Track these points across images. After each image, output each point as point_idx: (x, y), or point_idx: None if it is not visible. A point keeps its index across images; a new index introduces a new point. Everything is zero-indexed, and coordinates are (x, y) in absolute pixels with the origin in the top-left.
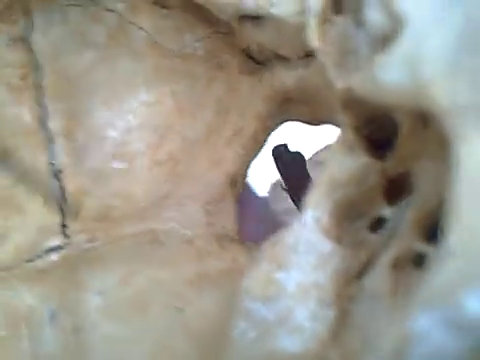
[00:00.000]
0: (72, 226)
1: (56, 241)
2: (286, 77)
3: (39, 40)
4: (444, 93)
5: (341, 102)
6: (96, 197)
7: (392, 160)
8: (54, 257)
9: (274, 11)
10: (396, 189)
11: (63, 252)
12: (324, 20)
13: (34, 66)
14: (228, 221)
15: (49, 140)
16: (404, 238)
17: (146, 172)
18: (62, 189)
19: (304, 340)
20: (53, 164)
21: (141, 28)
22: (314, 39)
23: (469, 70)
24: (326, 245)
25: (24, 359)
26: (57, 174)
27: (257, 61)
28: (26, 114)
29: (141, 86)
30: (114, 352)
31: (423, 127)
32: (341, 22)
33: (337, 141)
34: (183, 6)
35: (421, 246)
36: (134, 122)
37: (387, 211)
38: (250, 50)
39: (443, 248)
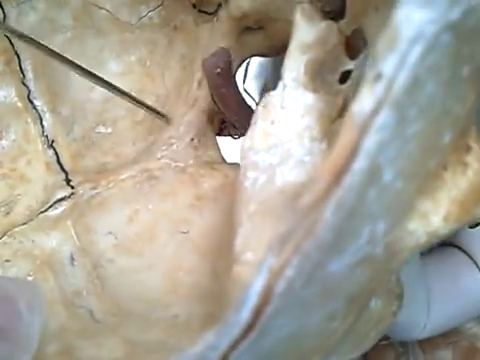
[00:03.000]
0: (75, 179)
1: (64, 192)
2: (242, 1)
3: None
4: None
5: None
6: (90, 158)
7: (345, 20)
8: (64, 206)
9: None
10: (354, 45)
11: (71, 201)
12: None
13: (14, 52)
14: (213, 151)
15: (38, 115)
16: None
17: (129, 132)
18: (58, 156)
19: (307, 171)
20: (46, 136)
21: (102, 8)
22: None
23: None
24: (308, 96)
25: (54, 297)
26: (51, 144)
27: (209, 12)
28: (14, 95)
29: (110, 60)
30: (133, 281)
31: None
32: None
33: (298, 16)
34: None
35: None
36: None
37: (350, 64)
38: (201, 4)
39: None
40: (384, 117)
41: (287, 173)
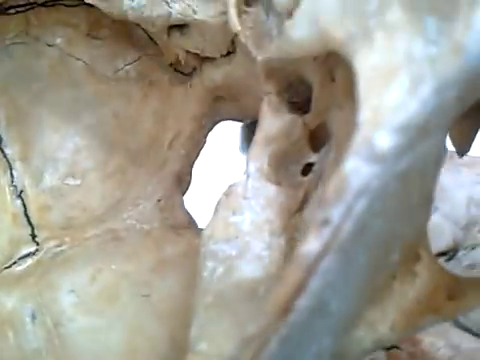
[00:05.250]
0: (41, 235)
1: (29, 249)
2: (214, 74)
3: None
4: (339, 29)
5: (264, 73)
6: (57, 210)
7: (311, 114)
8: (28, 263)
9: (198, 16)
10: (318, 138)
11: (36, 258)
12: (240, 11)
13: None
14: (179, 214)
15: (8, 165)
16: None
17: (99, 185)
18: (26, 207)
19: (264, 266)
20: (15, 186)
21: (79, 59)
22: (235, 26)
23: (352, 8)
24: (270, 189)
25: (13, 357)
26: (20, 194)
27: (185, 73)
28: None
29: (83, 110)
30: (93, 341)
31: (331, 81)
32: (254, 11)
33: (265, 107)
34: (114, 35)
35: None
36: (81, 143)
37: (313, 157)
38: (178, 64)
39: None
40: (330, 262)
41: (244, 267)
